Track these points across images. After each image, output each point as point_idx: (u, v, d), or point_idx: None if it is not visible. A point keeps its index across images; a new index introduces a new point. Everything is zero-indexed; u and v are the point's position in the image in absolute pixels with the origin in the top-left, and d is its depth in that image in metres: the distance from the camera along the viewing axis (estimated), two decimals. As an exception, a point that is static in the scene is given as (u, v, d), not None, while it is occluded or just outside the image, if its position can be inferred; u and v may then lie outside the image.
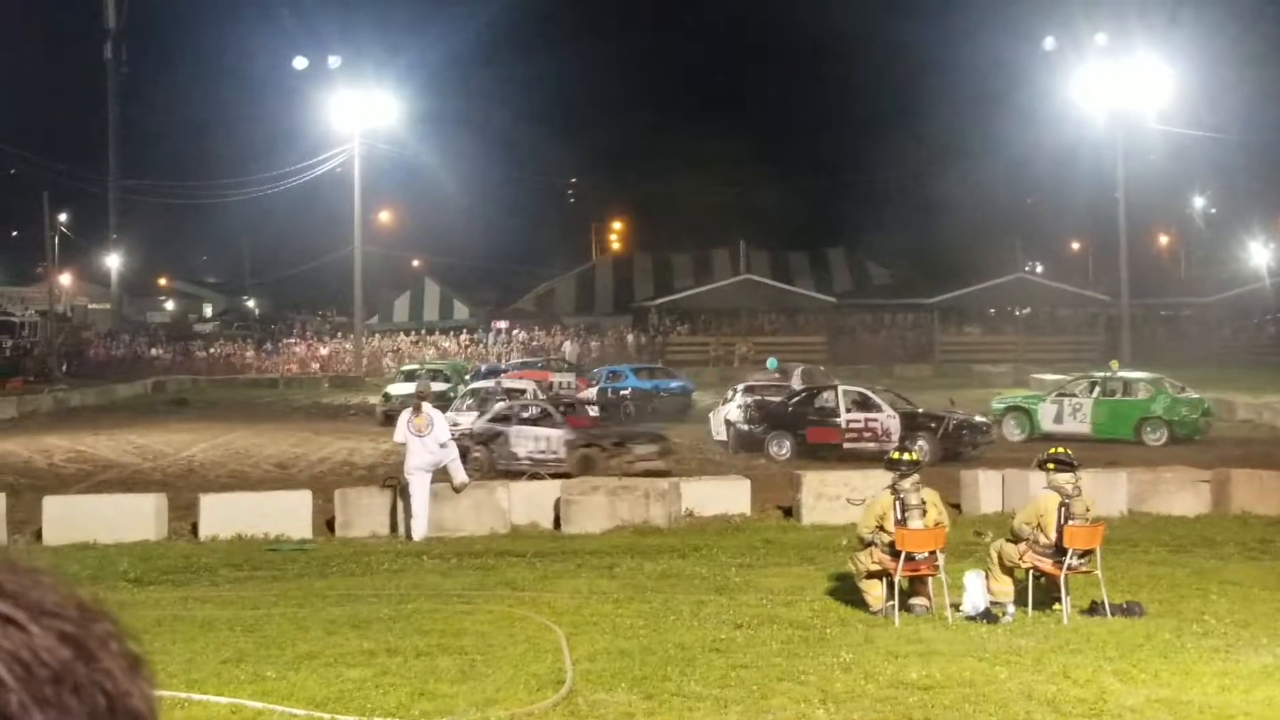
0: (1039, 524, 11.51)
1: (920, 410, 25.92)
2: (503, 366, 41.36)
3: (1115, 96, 52.02)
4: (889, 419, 25.16)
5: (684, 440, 28.93)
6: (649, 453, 22.15)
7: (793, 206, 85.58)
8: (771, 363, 40.43)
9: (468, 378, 38.98)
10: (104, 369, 54.48)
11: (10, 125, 73.04)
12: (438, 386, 30.38)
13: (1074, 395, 28.81)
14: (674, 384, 36.70)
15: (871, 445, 24.54)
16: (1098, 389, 28.81)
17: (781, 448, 25.69)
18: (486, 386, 30.11)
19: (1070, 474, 11.67)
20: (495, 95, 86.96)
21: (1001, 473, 18.39)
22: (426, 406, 16.97)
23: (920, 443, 24.11)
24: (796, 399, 27.02)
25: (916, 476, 11.68)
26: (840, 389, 26.35)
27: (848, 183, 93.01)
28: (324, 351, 58.78)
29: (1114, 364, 35.42)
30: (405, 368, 41.21)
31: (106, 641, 0.85)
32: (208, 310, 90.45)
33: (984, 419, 26.65)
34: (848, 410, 25.51)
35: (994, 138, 69.56)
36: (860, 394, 26.14)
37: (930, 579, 11.59)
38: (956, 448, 24.45)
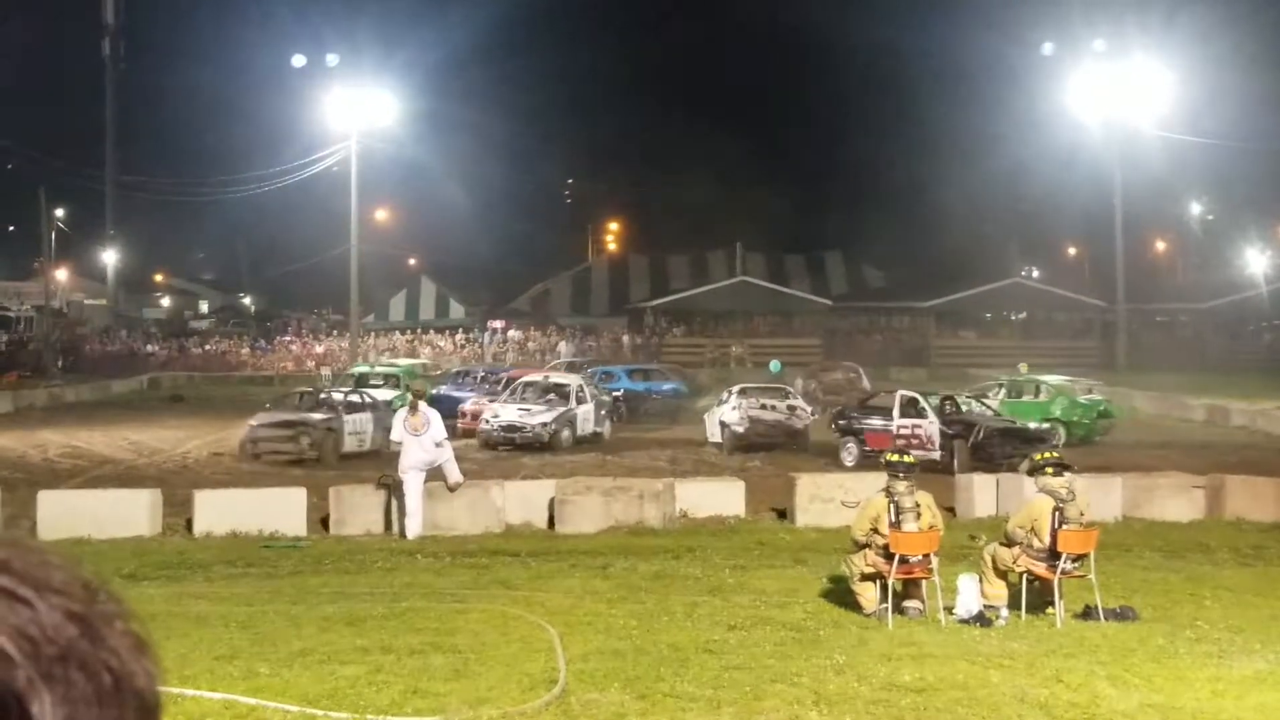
0: (1033, 528, 11.52)
1: (957, 415, 24.84)
2: (480, 371, 38.83)
3: (1112, 102, 52.12)
4: (930, 425, 24.15)
5: (677, 440, 28.96)
6: (277, 435, 25.36)
7: (789, 209, 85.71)
8: (775, 365, 40.42)
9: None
10: (99, 365, 54.37)
11: (8, 121, 72.82)
12: (385, 395, 29.53)
13: (985, 397, 29.48)
14: (667, 386, 36.66)
15: (917, 454, 23.68)
16: (1003, 391, 29.87)
17: (850, 455, 24.77)
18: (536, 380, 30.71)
19: (1064, 478, 11.69)
20: (493, 95, 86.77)
21: (996, 476, 18.43)
22: (423, 405, 17.00)
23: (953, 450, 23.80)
24: (864, 403, 26.48)
25: (912, 479, 11.69)
26: (899, 393, 25.57)
27: (845, 186, 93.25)
28: (319, 349, 58.71)
29: (1023, 366, 36.70)
30: (356, 369, 38.62)
31: (112, 620, 0.85)
32: (204, 307, 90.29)
33: (1044, 426, 25.71)
34: (901, 415, 24.64)
35: (992, 142, 69.54)
36: (912, 399, 25.14)
37: (924, 582, 11.59)
38: (991, 456, 22.81)
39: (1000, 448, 23.26)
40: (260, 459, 24.86)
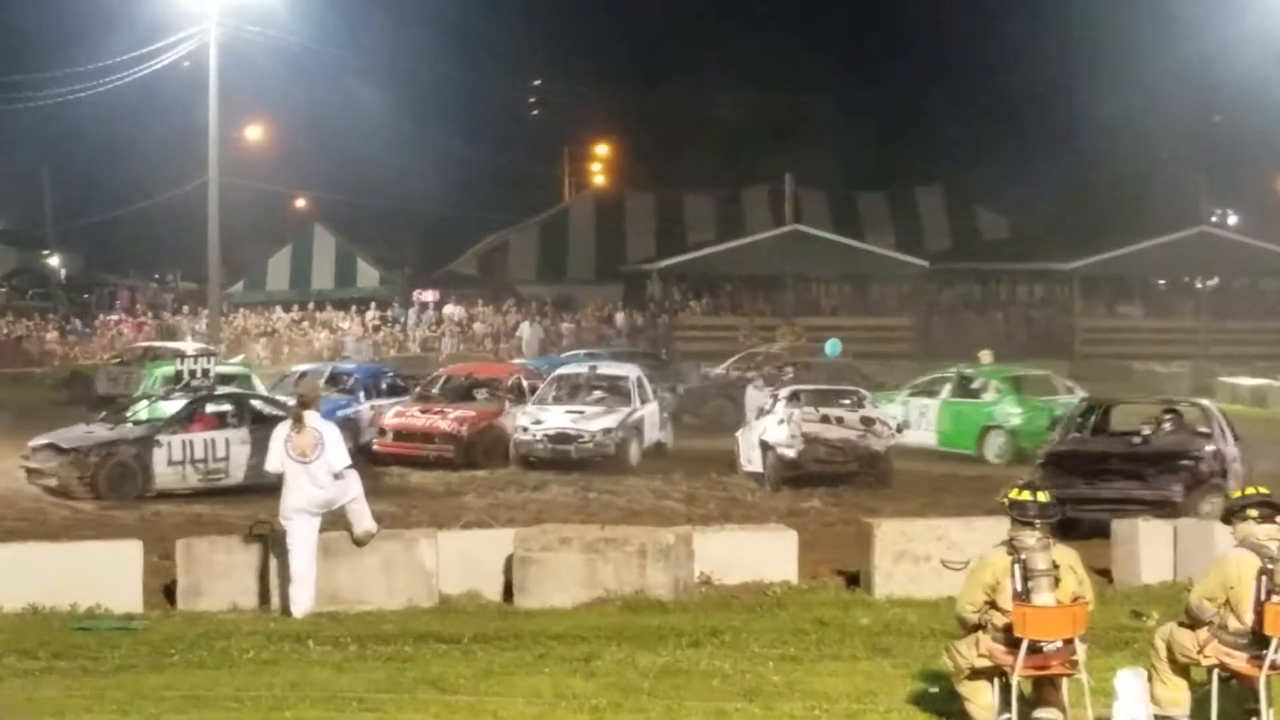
0: (1228, 600, 11.49)
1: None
2: (348, 369, 37.37)
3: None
4: None
5: (695, 463, 28.88)
6: (47, 465, 26.32)
7: (865, 127, 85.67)
8: (832, 345, 40.53)
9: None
10: None
11: None
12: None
13: (929, 395, 32.84)
14: None
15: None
16: (949, 387, 32.98)
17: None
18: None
19: (1277, 526, 11.62)
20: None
21: (1172, 524, 18.38)
22: (312, 417, 16.85)
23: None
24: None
25: (1047, 528, 11.61)
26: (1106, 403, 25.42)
27: (947, 94, 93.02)
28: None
29: (984, 354, 38.66)
30: (151, 376, 35.31)
31: None
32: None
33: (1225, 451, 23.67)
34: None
35: (1165, 30, 69.46)
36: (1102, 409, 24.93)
37: (1065, 680, 11.57)
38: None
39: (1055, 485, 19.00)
40: (64, 494, 26.15)
